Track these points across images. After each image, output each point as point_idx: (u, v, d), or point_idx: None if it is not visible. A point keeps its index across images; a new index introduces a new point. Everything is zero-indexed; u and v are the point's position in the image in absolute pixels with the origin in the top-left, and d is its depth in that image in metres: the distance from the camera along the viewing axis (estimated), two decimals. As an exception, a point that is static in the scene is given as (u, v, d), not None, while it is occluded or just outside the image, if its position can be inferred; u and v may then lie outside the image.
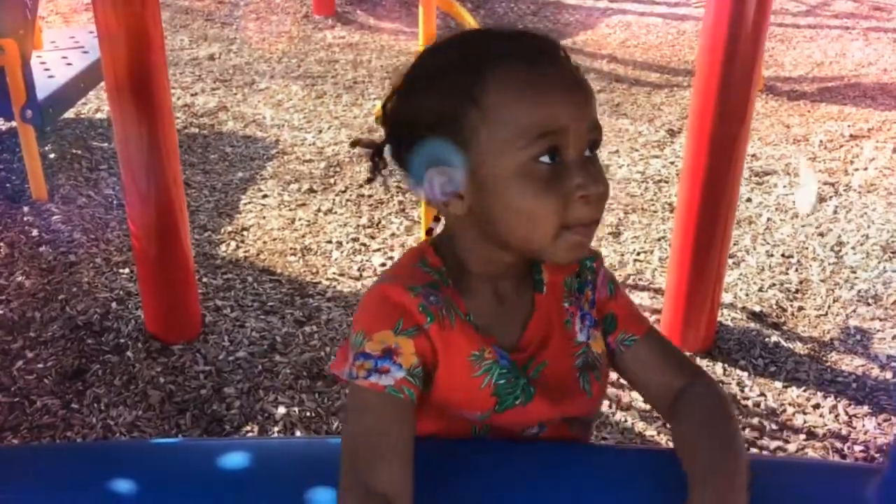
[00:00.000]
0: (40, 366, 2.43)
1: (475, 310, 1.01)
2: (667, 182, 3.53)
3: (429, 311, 0.96)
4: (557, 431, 1.07)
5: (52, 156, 3.51)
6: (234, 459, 0.99)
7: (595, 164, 0.97)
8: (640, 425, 2.29)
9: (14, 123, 3.30)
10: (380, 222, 3.23)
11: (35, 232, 3.01)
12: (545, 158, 0.93)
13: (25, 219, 3.09)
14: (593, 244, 1.05)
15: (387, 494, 0.88)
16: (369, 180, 1.09)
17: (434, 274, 1.01)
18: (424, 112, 0.97)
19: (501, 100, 0.93)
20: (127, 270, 2.85)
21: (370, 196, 3.42)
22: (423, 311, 0.96)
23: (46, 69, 3.43)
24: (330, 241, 3.11)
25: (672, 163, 3.69)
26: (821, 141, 3.88)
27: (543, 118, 0.93)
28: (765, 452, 2.19)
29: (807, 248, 3.08)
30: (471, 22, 2.94)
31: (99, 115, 3.96)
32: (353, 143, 1.12)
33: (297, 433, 2.23)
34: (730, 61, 2.19)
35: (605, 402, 2.37)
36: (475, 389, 0.99)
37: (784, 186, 3.50)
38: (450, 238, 1.04)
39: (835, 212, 3.30)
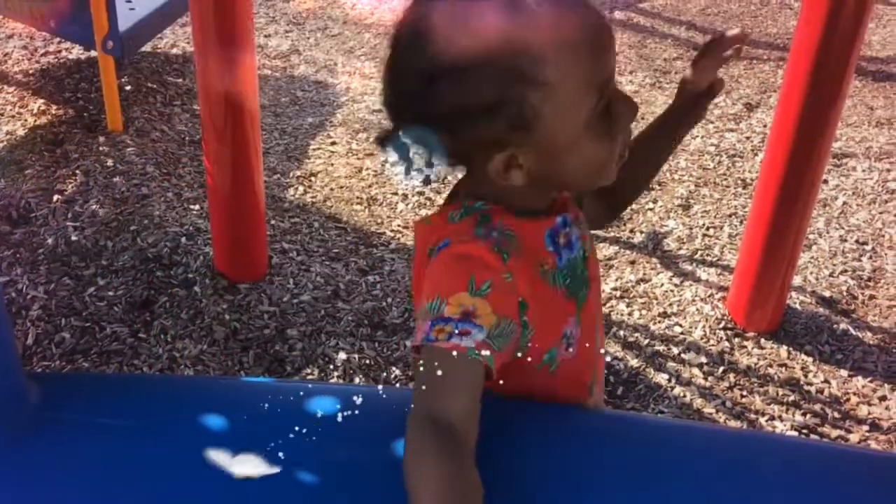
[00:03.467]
0: (111, 293, 2.49)
1: (523, 208, 1.02)
2: (741, 157, 3.45)
3: (502, 249, 0.96)
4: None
5: (127, 88, 3.55)
6: (321, 404, 1.00)
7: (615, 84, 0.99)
8: (698, 401, 2.27)
9: (94, 53, 3.35)
10: (446, 177, 3.21)
11: (110, 162, 3.07)
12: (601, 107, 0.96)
13: (101, 149, 3.14)
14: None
15: (457, 427, 0.86)
16: (407, 170, 1.00)
17: (477, 211, 1.00)
18: (474, 103, 0.92)
19: (559, 72, 0.91)
20: (197, 207, 2.89)
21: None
22: (498, 250, 0.95)
23: (128, 1, 3.45)
24: (396, 193, 3.11)
25: (748, 138, 3.59)
26: (905, 126, 3.74)
27: (598, 75, 0.94)
28: (825, 440, 2.15)
29: (883, 236, 2.99)
30: None
31: (174, 51, 3.99)
32: (381, 143, 1.01)
33: (357, 380, 2.26)
34: (829, 36, 2.11)
35: (665, 377, 2.35)
36: (559, 299, 1.02)
37: (863, 170, 3.39)
38: (481, 194, 1.02)
39: (915, 200, 3.19)
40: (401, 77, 0.97)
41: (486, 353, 0.90)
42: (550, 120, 0.92)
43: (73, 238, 2.69)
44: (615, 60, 0.98)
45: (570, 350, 1.03)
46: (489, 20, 0.91)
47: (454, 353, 0.89)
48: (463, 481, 0.84)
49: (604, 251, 2.84)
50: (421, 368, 0.90)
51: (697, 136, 3.58)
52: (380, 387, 2.14)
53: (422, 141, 0.96)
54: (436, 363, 0.89)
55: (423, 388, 0.89)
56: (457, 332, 0.89)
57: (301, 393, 1.08)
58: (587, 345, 1.06)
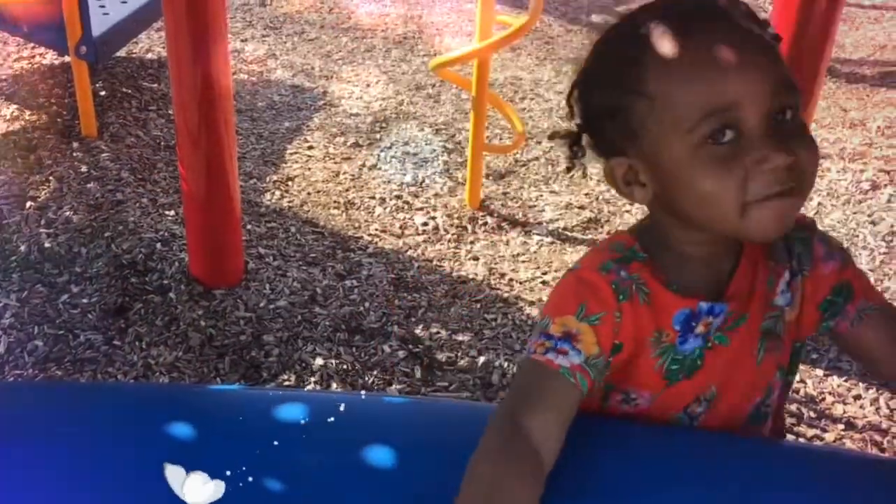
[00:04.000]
0: (85, 301, 2.46)
1: (677, 276, 0.99)
2: (717, 159, 3.47)
3: (621, 289, 0.96)
4: (721, 413, 1.04)
5: (102, 93, 3.52)
6: (294, 411, 0.99)
7: (786, 130, 0.90)
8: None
9: (68, 58, 3.32)
10: (423, 181, 3.22)
11: (84, 168, 3.04)
12: (718, 137, 0.89)
13: (75, 154, 3.11)
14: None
15: (532, 437, 0.87)
16: (568, 169, 1.08)
17: (622, 251, 1.00)
18: (598, 105, 0.98)
19: (662, 86, 0.91)
20: (172, 212, 2.87)
21: (415, 154, 3.40)
22: (616, 288, 0.96)
23: (102, 6, 3.43)
24: (373, 197, 3.10)
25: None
26: (878, 127, 3.78)
27: (704, 98, 0.89)
28: (801, 440, 2.17)
29: (857, 236, 3.02)
30: (516, 121, 2.90)
31: (150, 56, 3.96)
32: (552, 136, 1.10)
33: (334, 385, 2.24)
34: (799, 39, 2.12)
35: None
36: (650, 369, 0.99)
37: (837, 171, 3.42)
38: (650, 222, 1.04)
39: (889, 200, 3.22)
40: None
41: (580, 377, 0.92)
42: (655, 134, 0.92)
43: (47, 245, 2.66)
44: (756, 88, 0.89)
45: (627, 409, 1.03)
46: (613, 29, 0.99)
47: (547, 366, 0.92)
48: (507, 493, 0.84)
49: (581, 253, 2.84)
50: (517, 374, 0.97)
51: (674, 139, 3.60)
52: (363, 393, 2.13)
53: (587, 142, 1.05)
54: (529, 373, 0.93)
55: (514, 393, 0.93)
56: (555, 348, 0.92)
57: (275, 400, 1.07)
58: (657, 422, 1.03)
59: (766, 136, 0.89)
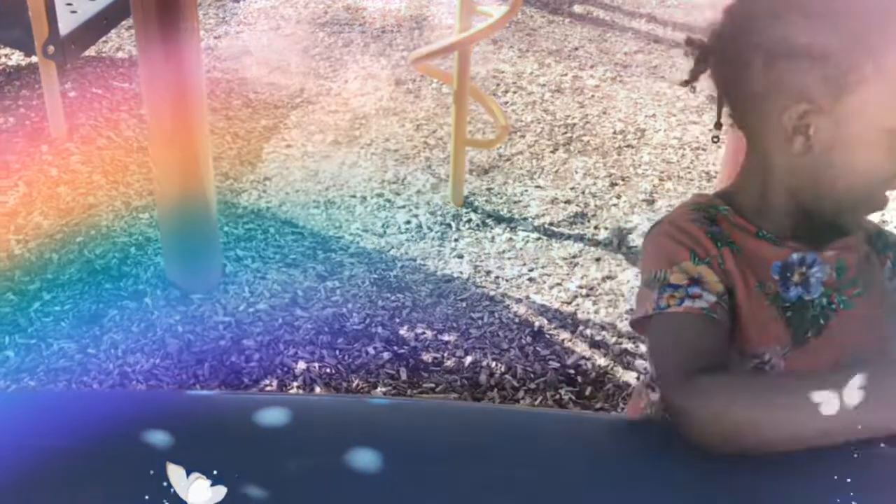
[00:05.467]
0: (57, 308, 2.38)
1: (770, 228, 0.98)
2: (704, 150, 3.43)
3: (716, 237, 0.95)
4: None
5: (71, 94, 3.43)
6: (270, 415, 0.94)
7: None
8: (668, 399, 2.23)
9: (35, 59, 3.22)
10: (405, 178, 3.15)
11: (54, 171, 2.95)
12: None
13: (44, 158, 3.02)
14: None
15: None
16: (686, 83, 1.01)
17: (707, 209, 0.99)
18: (809, 36, 0.87)
19: None
20: (146, 215, 2.79)
21: (396, 151, 3.33)
22: (712, 237, 0.95)
23: (69, 4, 3.34)
24: (354, 196, 3.03)
25: (711, 130, 3.58)
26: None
27: None
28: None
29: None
30: (499, 115, 2.82)
31: (120, 55, 3.87)
32: (688, 42, 1.00)
33: (317, 389, 2.18)
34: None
35: (634, 375, 2.30)
36: (769, 320, 0.96)
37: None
38: (747, 182, 1.00)
39: (876, 188, 3.20)
40: None
41: (721, 313, 0.91)
42: (864, 101, 0.86)
43: (17, 252, 2.58)
44: None
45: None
46: None
47: (689, 314, 0.90)
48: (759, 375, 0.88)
49: (568, 249, 2.79)
50: (657, 338, 0.93)
51: (660, 130, 3.56)
52: (347, 396, 2.07)
53: (725, 74, 0.95)
54: (674, 328, 0.90)
55: (672, 351, 0.89)
56: (688, 295, 0.90)
57: (257, 406, 1.01)
58: None
59: None
